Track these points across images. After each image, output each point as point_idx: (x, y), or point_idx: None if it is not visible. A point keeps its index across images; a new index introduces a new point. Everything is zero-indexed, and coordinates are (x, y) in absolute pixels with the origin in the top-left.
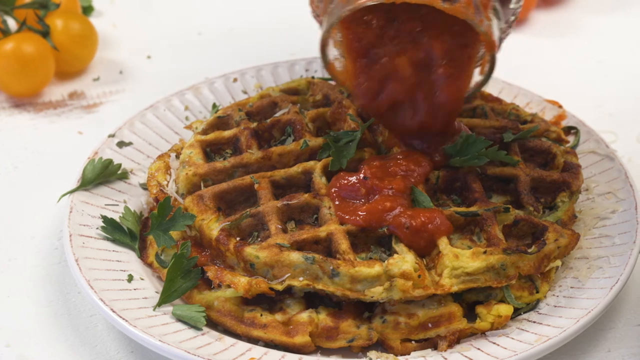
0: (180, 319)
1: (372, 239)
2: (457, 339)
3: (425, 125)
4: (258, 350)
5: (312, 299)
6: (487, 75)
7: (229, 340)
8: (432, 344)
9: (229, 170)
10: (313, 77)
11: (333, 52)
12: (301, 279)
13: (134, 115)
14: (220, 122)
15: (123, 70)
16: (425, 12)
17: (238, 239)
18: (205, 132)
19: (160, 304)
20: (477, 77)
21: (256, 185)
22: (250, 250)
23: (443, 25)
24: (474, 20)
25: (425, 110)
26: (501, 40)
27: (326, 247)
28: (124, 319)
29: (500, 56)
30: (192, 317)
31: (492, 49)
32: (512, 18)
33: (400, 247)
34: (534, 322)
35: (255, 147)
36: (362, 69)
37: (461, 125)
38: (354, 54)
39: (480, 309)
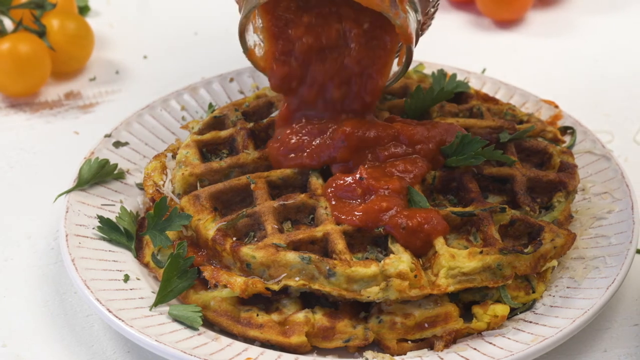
0: (176, 319)
1: (368, 239)
2: (453, 339)
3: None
4: (254, 350)
5: (309, 299)
6: (405, 67)
7: (225, 340)
8: (428, 344)
9: (225, 171)
10: None
11: (253, 38)
12: (297, 279)
13: (130, 115)
14: (217, 122)
15: (119, 70)
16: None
17: (234, 239)
18: (201, 132)
19: (156, 304)
20: (395, 68)
21: (252, 186)
22: (247, 250)
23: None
24: (389, 13)
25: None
26: (419, 32)
27: (322, 247)
28: (120, 319)
29: (497, 56)
30: (189, 317)
31: (409, 41)
32: (432, 10)
33: (396, 247)
34: (530, 322)
35: (252, 147)
36: (279, 48)
37: (456, 126)
38: (272, 37)
39: (476, 309)
